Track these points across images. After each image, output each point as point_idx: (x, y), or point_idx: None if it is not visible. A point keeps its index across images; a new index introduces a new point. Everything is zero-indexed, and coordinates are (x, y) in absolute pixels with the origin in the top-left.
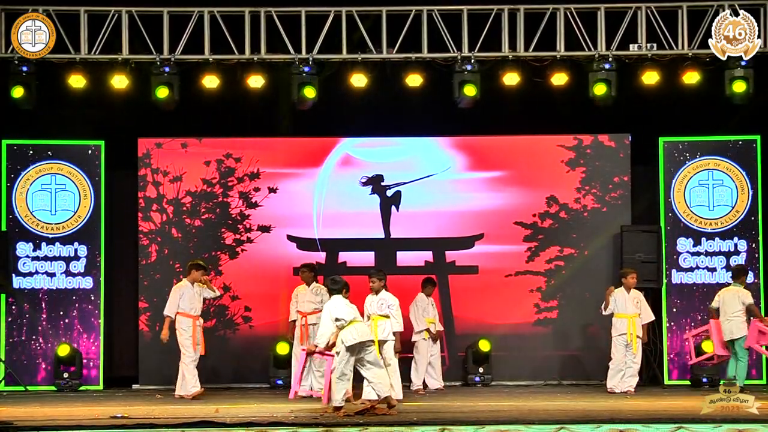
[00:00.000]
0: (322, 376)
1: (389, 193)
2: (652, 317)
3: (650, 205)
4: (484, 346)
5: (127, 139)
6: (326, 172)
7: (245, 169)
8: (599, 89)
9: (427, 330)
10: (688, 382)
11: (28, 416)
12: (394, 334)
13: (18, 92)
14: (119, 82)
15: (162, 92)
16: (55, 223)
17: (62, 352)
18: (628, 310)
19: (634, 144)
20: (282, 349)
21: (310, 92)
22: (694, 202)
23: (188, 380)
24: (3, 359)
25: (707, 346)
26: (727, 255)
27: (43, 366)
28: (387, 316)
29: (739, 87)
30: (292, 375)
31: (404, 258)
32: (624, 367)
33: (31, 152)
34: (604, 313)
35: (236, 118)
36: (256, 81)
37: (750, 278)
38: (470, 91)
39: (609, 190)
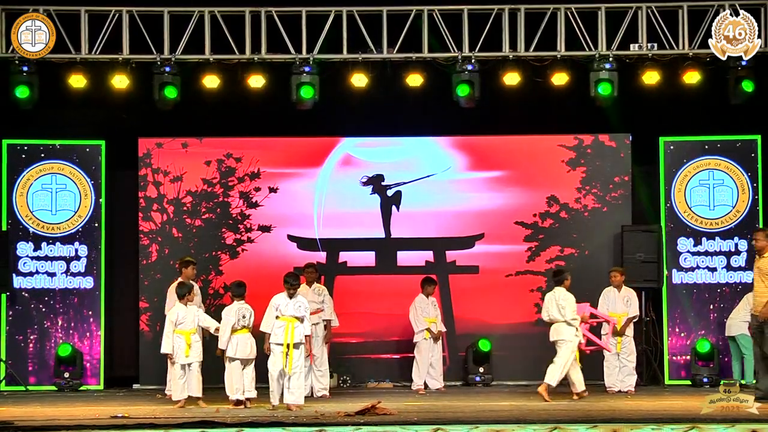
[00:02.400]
0: (323, 375)
1: (390, 192)
2: (636, 313)
3: (651, 204)
4: (484, 346)
5: (128, 139)
6: (327, 171)
7: (246, 169)
8: (605, 89)
9: (428, 330)
10: (688, 382)
11: (29, 416)
12: (306, 337)
13: (23, 92)
14: (120, 82)
15: (170, 92)
16: (56, 223)
17: (63, 352)
18: (617, 309)
19: (635, 144)
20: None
21: (309, 92)
22: (694, 202)
23: (171, 383)
24: (3, 359)
25: (703, 346)
26: (728, 255)
27: (44, 366)
28: (302, 319)
29: (748, 86)
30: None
31: (405, 258)
32: (619, 365)
33: (31, 152)
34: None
35: (237, 118)
36: (256, 81)
37: (752, 278)
38: (463, 91)
39: (609, 190)
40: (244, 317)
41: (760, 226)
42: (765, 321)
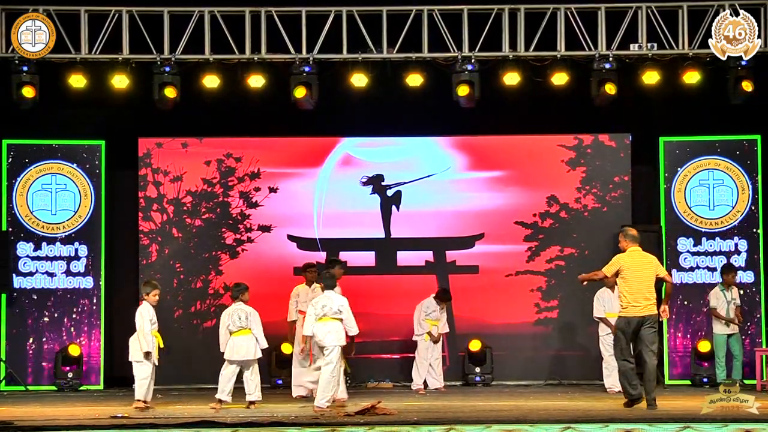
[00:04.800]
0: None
1: (390, 192)
2: None
3: (651, 204)
4: (474, 345)
5: (128, 139)
6: (327, 171)
7: (246, 169)
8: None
9: (428, 333)
10: (688, 382)
11: (29, 416)
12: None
13: (28, 92)
14: (120, 81)
15: (170, 92)
16: (56, 223)
17: (73, 352)
18: (613, 309)
19: (635, 144)
20: (283, 348)
21: (302, 92)
22: (694, 202)
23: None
24: (4, 359)
25: (703, 346)
26: (728, 255)
27: (44, 366)
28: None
29: (747, 86)
30: (293, 375)
31: (405, 258)
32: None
33: (31, 152)
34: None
35: (237, 117)
36: (256, 81)
37: (751, 278)
38: (462, 90)
39: (609, 190)
40: (240, 319)
41: (760, 225)
42: (642, 320)
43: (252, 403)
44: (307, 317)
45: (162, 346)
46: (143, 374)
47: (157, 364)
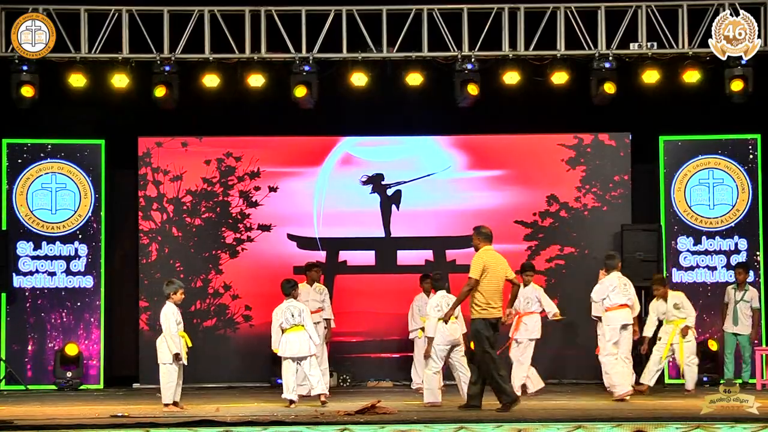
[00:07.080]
0: (323, 374)
1: (389, 192)
2: (636, 310)
3: (651, 203)
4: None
5: (128, 138)
6: (327, 171)
7: (245, 168)
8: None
9: (421, 329)
10: None
11: (29, 415)
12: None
13: (28, 91)
14: (119, 81)
15: (160, 91)
16: (56, 222)
17: (71, 352)
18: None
19: (635, 143)
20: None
21: (302, 91)
22: (694, 201)
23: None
24: (3, 358)
25: (712, 345)
26: (728, 254)
27: (44, 365)
28: None
29: (737, 86)
30: None
31: (405, 257)
32: None
33: (31, 151)
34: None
35: (236, 117)
36: (256, 80)
37: (751, 277)
38: (473, 90)
39: (609, 189)
40: (293, 316)
41: (760, 224)
42: (497, 321)
43: (321, 395)
44: (429, 320)
45: (190, 345)
46: (168, 378)
47: (186, 363)
